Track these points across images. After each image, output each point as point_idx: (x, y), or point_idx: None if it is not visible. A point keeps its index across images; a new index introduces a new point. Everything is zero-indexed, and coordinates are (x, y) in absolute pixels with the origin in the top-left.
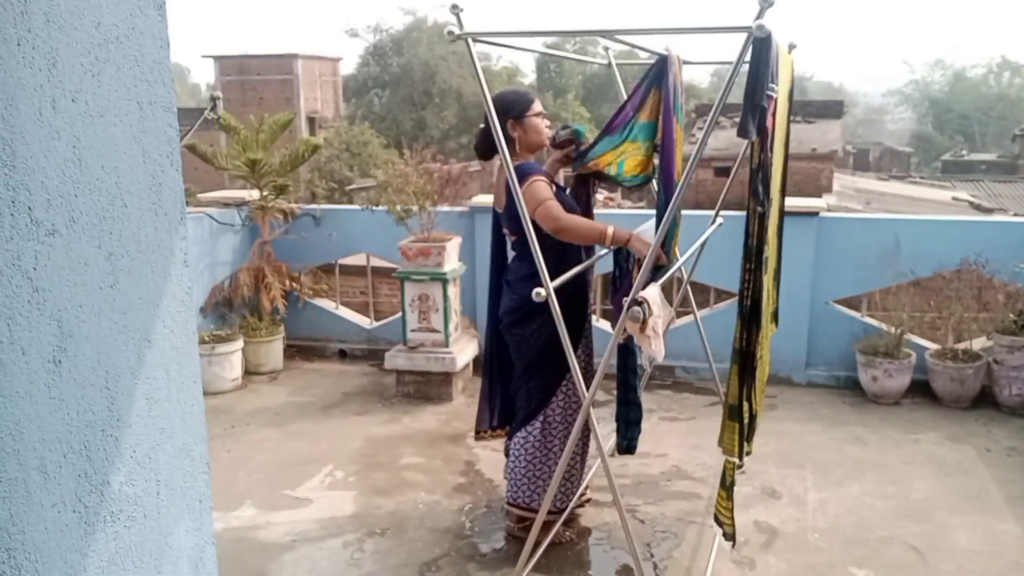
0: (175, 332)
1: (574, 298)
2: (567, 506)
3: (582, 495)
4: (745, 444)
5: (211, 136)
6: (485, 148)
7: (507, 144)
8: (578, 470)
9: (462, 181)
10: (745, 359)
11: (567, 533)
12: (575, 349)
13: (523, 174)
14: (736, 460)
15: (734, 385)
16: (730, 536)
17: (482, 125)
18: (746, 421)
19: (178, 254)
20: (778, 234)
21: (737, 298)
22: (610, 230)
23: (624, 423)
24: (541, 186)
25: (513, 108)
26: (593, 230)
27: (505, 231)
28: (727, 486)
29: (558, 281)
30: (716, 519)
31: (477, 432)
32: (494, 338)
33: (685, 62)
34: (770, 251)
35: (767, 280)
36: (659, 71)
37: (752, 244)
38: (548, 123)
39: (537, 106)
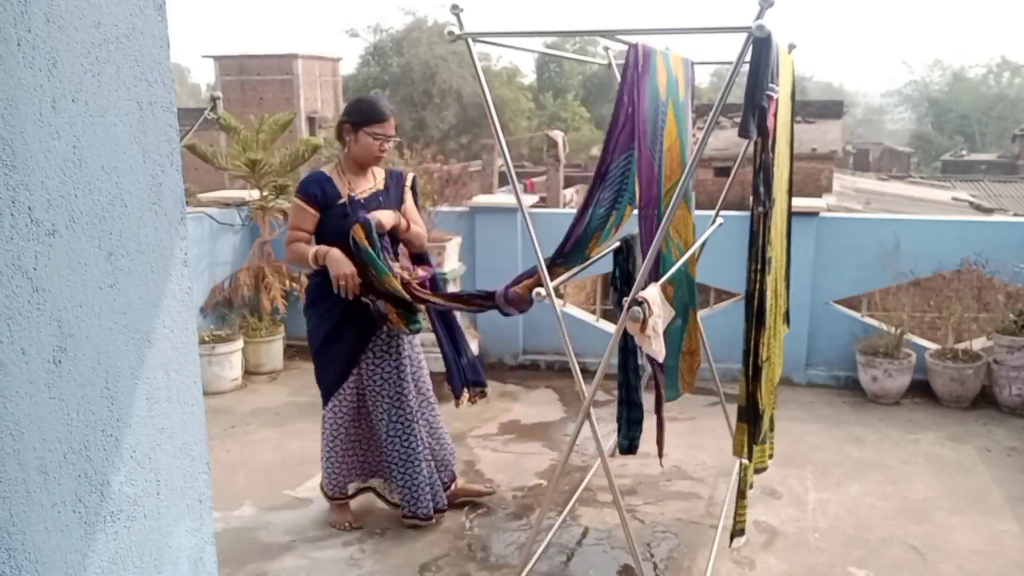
0: (175, 332)
1: (351, 306)
2: (347, 492)
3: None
4: (760, 446)
5: (211, 136)
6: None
7: (341, 144)
8: (357, 459)
9: (462, 181)
10: (749, 360)
11: (345, 521)
12: (357, 352)
13: (302, 182)
14: (748, 462)
15: (743, 386)
16: (742, 532)
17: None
18: (761, 423)
19: (178, 254)
20: (787, 235)
21: (744, 299)
22: (311, 252)
23: (625, 423)
24: (297, 211)
25: (353, 115)
26: (302, 257)
27: None
28: (743, 494)
29: (559, 280)
30: (738, 530)
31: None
32: (438, 315)
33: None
34: (775, 251)
35: (771, 280)
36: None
37: (758, 245)
38: (387, 147)
39: (378, 128)
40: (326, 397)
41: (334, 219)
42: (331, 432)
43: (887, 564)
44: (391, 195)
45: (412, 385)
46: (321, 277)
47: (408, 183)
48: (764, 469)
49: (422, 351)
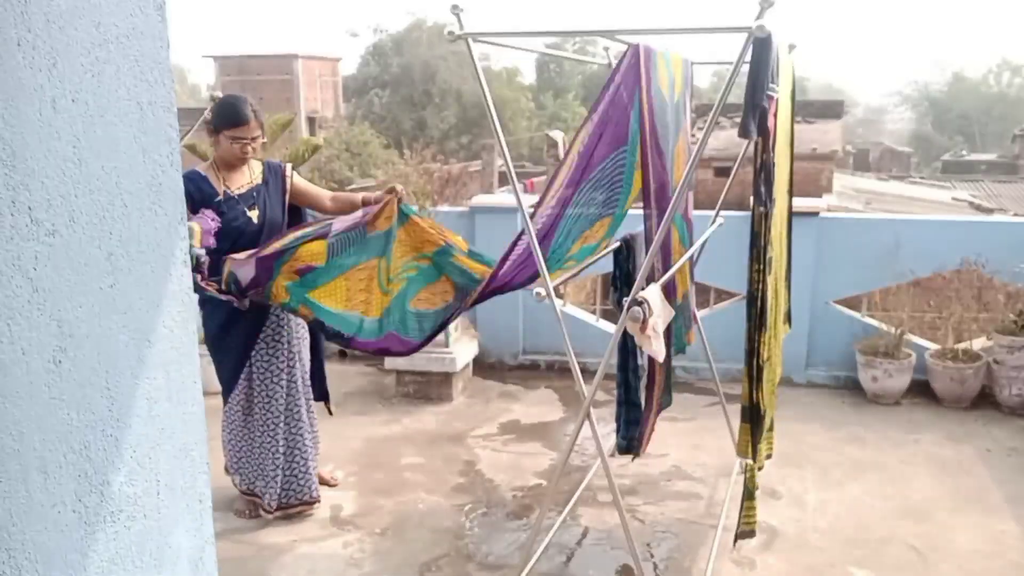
0: (175, 332)
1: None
2: (255, 489)
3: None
4: (763, 445)
5: None
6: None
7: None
8: (274, 460)
9: (462, 181)
10: (755, 360)
11: (248, 509)
12: (247, 349)
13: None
14: (752, 462)
15: (746, 387)
16: (753, 534)
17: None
18: (762, 423)
19: (178, 254)
20: (787, 235)
21: (746, 299)
22: None
23: (624, 423)
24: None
25: (214, 119)
26: None
27: None
28: (752, 495)
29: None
30: (744, 532)
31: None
32: None
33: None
34: (776, 251)
35: (772, 280)
36: (624, 82)
37: (759, 245)
38: (249, 148)
39: (237, 132)
40: (227, 388)
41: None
42: (228, 427)
43: (887, 564)
44: (270, 188)
45: (299, 376)
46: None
47: (288, 174)
48: (761, 468)
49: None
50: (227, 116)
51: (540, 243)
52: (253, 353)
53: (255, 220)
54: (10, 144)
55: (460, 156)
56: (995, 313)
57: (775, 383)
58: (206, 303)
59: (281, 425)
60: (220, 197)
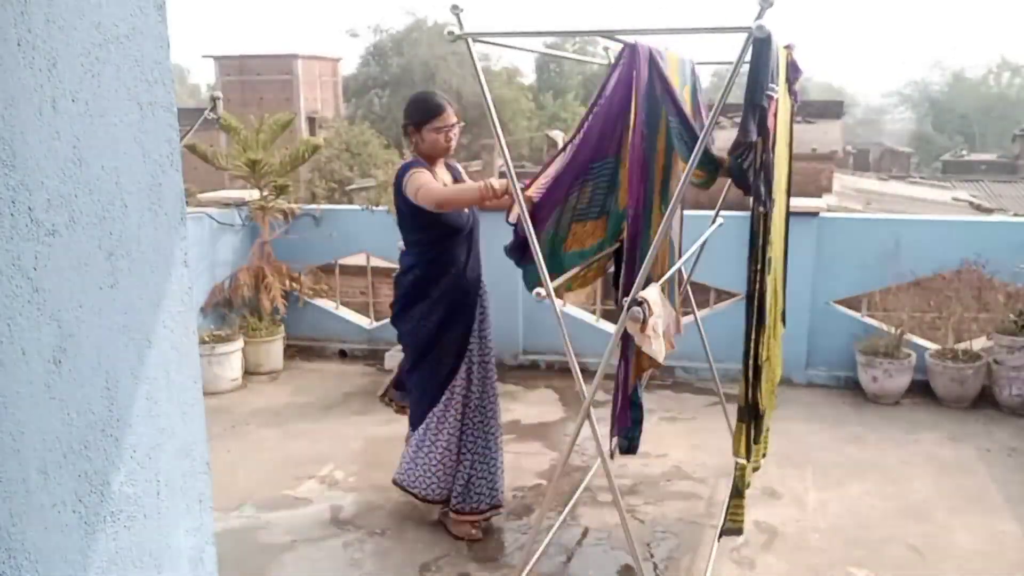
0: (175, 332)
1: (457, 289)
2: (469, 505)
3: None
4: (757, 445)
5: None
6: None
7: (409, 145)
8: (484, 469)
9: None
10: (753, 360)
11: (474, 531)
12: (464, 342)
13: (404, 170)
14: (746, 462)
15: (742, 386)
16: (740, 532)
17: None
18: (761, 423)
19: (178, 254)
20: (785, 235)
21: (744, 299)
22: (484, 182)
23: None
24: (418, 174)
25: (413, 116)
26: (469, 191)
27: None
28: (741, 493)
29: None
30: (730, 529)
31: (381, 395)
32: None
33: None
34: (775, 252)
35: (771, 281)
36: (625, 75)
37: (758, 245)
38: (452, 136)
39: (437, 121)
40: (437, 395)
41: (438, 214)
42: (441, 432)
43: (887, 564)
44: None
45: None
46: (418, 273)
47: (464, 175)
48: (757, 468)
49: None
50: (427, 108)
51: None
52: (470, 347)
53: (468, 217)
54: (10, 144)
55: (460, 156)
56: (995, 313)
57: (774, 383)
58: (420, 302)
59: (496, 425)
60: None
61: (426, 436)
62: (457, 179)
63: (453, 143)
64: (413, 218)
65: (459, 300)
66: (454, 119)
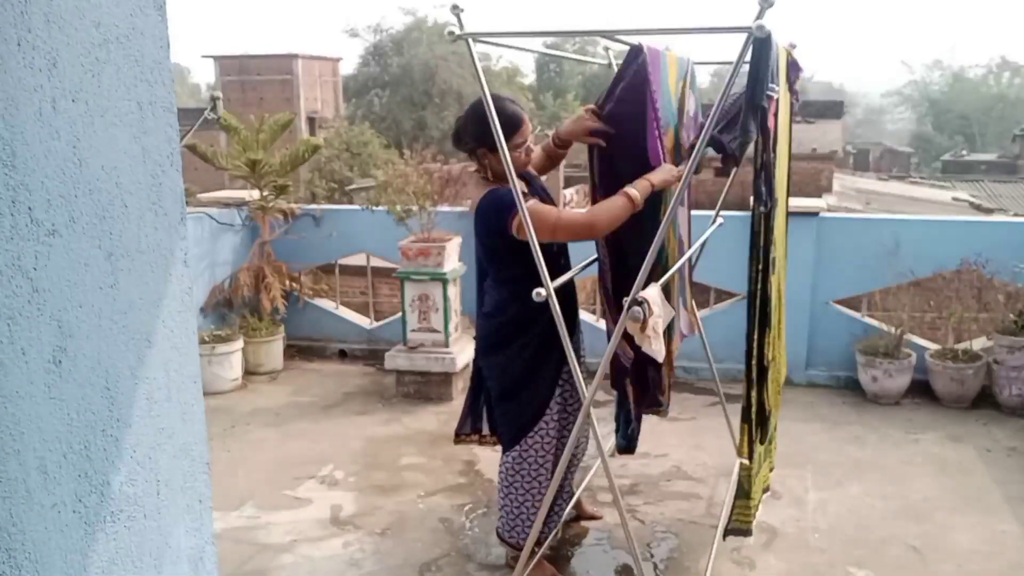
0: (175, 332)
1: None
2: (547, 538)
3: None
4: (762, 447)
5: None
6: (456, 140)
7: (479, 165)
8: (562, 501)
9: (462, 181)
10: (757, 361)
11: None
12: (559, 373)
13: (508, 205)
14: (748, 462)
15: (745, 387)
16: (748, 532)
17: (459, 116)
18: (759, 421)
19: (178, 254)
20: (785, 235)
21: (746, 300)
22: (632, 192)
23: (623, 423)
24: (540, 208)
25: (488, 136)
26: (619, 207)
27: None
28: (746, 494)
29: (559, 280)
30: (735, 529)
31: (456, 435)
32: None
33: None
34: (778, 251)
35: (775, 280)
36: (636, 75)
37: (760, 245)
38: (531, 147)
39: (518, 136)
40: (523, 432)
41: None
42: (533, 472)
43: (887, 564)
44: (534, 187)
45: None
46: (511, 312)
47: (539, 183)
48: (772, 468)
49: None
50: (510, 121)
51: None
52: (563, 376)
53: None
54: (10, 144)
55: (460, 156)
56: (995, 313)
57: (780, 383)
58: (515, 339)
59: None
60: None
61: (509, 473)
62: (532, 183)
63: (533, 154)
64: (514, 253)
65: (551, 332)
66: (529, 132)
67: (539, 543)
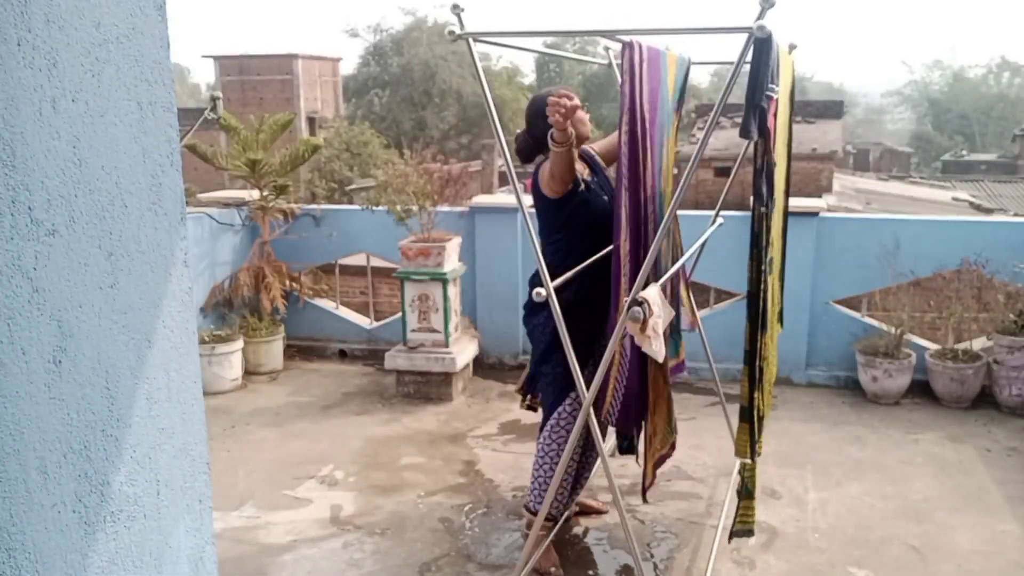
0: (175, 332)
1: (583, 293)
2: (563, 514)
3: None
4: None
5: (211, 136)
6: (527, 151)
7: (538, 151)
8: (587, 471)
9: (462, 181)
10: (754, 361)
11: (551, 568)
12: (588, 345)
13: (536, 169)
14: (750, 462)
15: (745, 387)
16: (751, 533)
17: (518, 131)
18: (761, 423)
19: (178, 254)
20: (783, 235)
21: (746, 300)
22: (552, 140)
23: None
24: (545, 165)
25: (543, 126)
26: (553, 155)
27: None
28: (750, 495)
29: (558, 281)
30: (740, 531)
31: (522, 395)
32: None
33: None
34: (775, 252)
35: (773, 281)
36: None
37: (760, 245)
38: (582, 118)
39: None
40: (562, 396)
41: (580, 205)
42: (560, 441)
43: (887, 564)
44: (598, 172)
45: None
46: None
47: (596, 154)
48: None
49: None
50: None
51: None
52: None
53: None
54: (10, 144)
55: (460, 156)
56: (995, 313)
57: (771, 383)
58: (539, 311)
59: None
60: (582, 187)
61: (543, 444)
62: (595, 167)
63: (607, 143)
64: (547, 216)
65: (587, 304)
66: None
67: (553, 519)
